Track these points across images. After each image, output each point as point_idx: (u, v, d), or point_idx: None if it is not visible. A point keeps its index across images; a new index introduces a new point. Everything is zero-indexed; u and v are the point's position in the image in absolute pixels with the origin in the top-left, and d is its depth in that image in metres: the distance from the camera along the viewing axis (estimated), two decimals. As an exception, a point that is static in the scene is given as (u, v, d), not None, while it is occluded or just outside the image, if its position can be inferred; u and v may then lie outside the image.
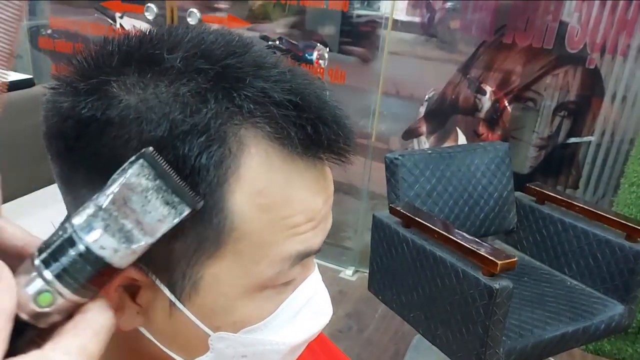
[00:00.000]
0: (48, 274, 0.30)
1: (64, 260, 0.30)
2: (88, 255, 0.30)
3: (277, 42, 2.78)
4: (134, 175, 0.31)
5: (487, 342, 1.35)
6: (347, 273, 2.56)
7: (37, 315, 0.30)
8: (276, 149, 0.36)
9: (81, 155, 0.36)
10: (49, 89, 0.38)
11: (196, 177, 0.34)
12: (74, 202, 0.38)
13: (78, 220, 0.30)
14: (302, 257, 0.40)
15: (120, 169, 0.32)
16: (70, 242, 0.30)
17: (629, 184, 1.97)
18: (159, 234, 0.31)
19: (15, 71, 2.00)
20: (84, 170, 0.36)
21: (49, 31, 2.94)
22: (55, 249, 0.30)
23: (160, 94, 0.35)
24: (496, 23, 2.31)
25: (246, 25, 3.17)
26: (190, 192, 0.32)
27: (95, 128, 0.34)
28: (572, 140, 2.32)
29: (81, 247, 0.30)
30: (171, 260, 0.37)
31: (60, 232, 0.30)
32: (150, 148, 0.31)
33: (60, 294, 0.30)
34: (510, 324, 1.48)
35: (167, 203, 0.31)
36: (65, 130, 0.36)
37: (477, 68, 2.41)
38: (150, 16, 2.67)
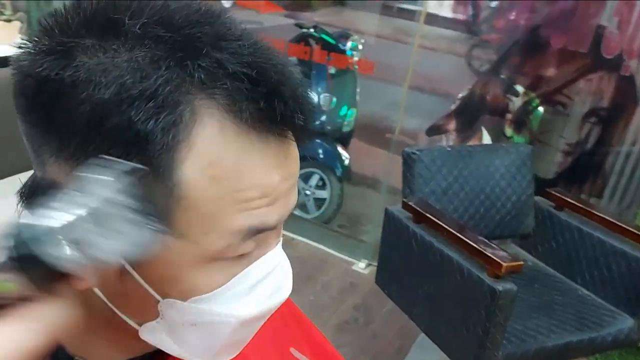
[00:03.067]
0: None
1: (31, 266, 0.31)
2: (53, 267, 0.31)
3: (312, 30, 2.77)
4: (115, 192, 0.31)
5: (486, 344, 1.33)
6: (360, 266, 2.56)
7: None
8: (231, 122, 0.37)
9: (39, 114, 0.37)
10: (17, 47, 0.38)
11: (142, 142, 0.34)
12: (36, 160, 0.39)
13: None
14: (255, 232, 0.40)
15: (93, 178, 0.32)
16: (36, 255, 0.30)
17: (655, 197, 1.91)
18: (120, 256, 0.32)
19: None
20: (42, 129, 0.37)
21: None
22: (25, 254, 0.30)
23: (116, 58, 0.35)
24: (532, 23, 2.26)
25: (280, 10, 3.17)
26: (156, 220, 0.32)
27: (50, 88, 0.35)
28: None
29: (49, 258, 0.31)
30: None
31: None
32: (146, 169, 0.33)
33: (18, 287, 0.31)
34: (514, 328, 1.46)
35: (133, 223, 0.31)
36: (25, 89, 0.37)
37: (509, 68, 2.36)
38: None
